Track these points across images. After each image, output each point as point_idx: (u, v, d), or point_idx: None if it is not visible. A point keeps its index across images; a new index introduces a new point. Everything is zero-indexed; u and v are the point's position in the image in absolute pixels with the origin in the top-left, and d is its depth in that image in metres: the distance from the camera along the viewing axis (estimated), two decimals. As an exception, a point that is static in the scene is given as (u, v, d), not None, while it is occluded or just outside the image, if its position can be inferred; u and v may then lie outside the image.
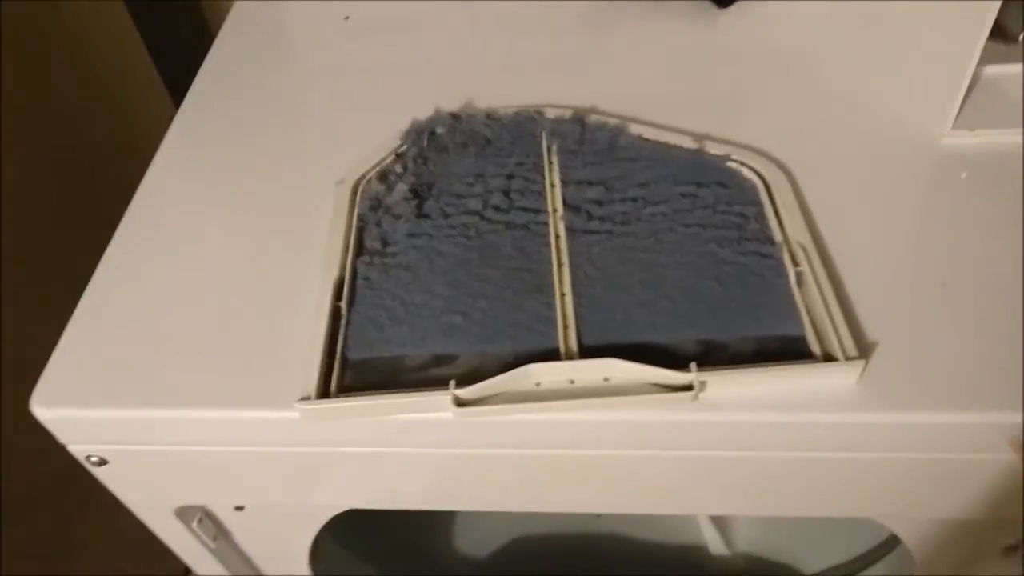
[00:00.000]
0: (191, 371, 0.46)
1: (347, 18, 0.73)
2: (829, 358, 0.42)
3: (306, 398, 0.43)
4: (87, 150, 0.94)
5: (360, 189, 0.54)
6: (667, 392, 0.42)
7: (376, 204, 0.53)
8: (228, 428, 0.46)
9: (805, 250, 0.47)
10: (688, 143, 0.55)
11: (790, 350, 0.44)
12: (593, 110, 0.58)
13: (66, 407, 0.46)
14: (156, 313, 0.49)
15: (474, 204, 0.52)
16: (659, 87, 0.62)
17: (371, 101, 0.64)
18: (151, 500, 0.56)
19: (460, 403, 0.42)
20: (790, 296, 0.46)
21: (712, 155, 0.54)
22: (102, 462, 0.50)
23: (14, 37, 0.80)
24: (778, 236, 0.48)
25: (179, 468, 0.51)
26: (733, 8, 0.68)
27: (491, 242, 0.50)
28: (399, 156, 0.56)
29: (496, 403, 0.42)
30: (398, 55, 0.69)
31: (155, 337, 0.48)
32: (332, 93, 0.66)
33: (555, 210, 0.52)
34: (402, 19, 0.72)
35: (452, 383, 0.42)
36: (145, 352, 0.47)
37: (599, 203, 0.52)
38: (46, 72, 0.87)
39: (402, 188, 0.53)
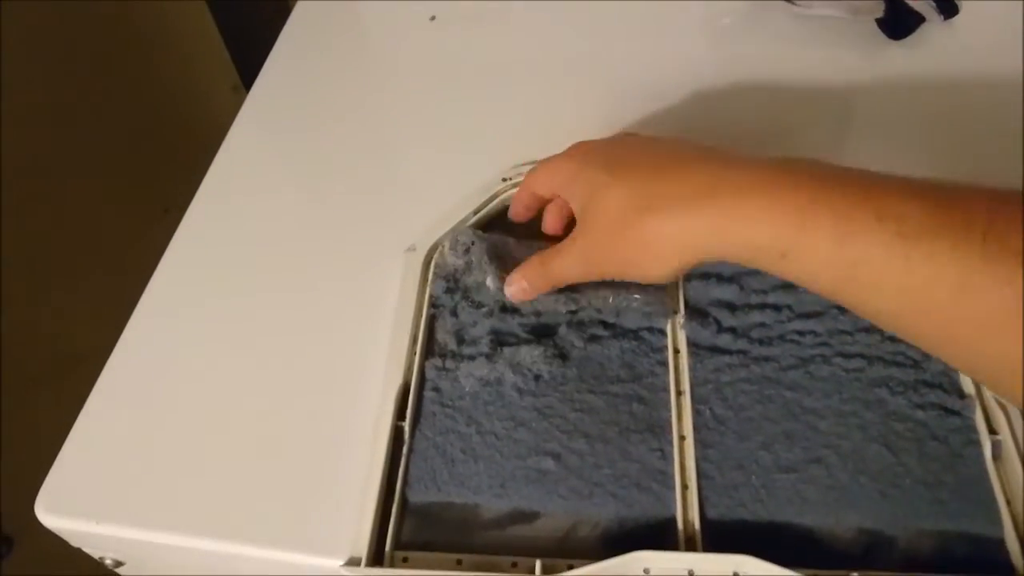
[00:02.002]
0: (220, 493, 0.38)
1: (433, 18, 0.62)
2: (1039, 581, 0.32)
3: (355, 561, 0.34)
4: (152, 128, 0.90)
5: (434, 261, 0.44)
6: (817, 610, 0.32)
7: (453, 285, 0.43)
8: (260, 565, 0.37)
9: (1006, 410, 0.36)
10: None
11: (982, 558, 0.33)
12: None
13: (74, 519, 0.38)
14: (178, 413, 0.41)
15: (573, 298, 0.42)
16: (801, 133, 0.50)
17: (452, 124, 0.54)
18: None
19: (547, 590, 0.33)
20: (984, 475, 0.35)
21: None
22: (117, 564, 0.43)
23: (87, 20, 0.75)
24: (969, 386, 0.37)
25: None
26: (910, 39, 0.55)
27: (593, 354, 0.40)
28: (479, 221, 0.46)
29: (593, 596, 0.33)
30: (488, 64, 0.58)
31: (175, 444, 0.40)
32: (408, 112, 0.56)
33: (675, 312, 0.41)
34: (494, 18, 0.61)
35: (538, 565, 0.33)
36: (163, 461, 0.39)
37: (731, 308, 0.41)
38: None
39: (483, 265, 0.42)
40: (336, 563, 0.34)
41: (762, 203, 0.30)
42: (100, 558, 0.42)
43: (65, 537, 0.40)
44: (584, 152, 0.38)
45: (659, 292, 0.41)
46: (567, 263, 0.37)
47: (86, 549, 0.41)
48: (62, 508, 0.38)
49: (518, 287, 0.39)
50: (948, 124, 0.50)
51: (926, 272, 0.26)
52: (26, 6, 0.73)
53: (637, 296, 0.40)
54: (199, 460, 0.39)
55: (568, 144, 0.47)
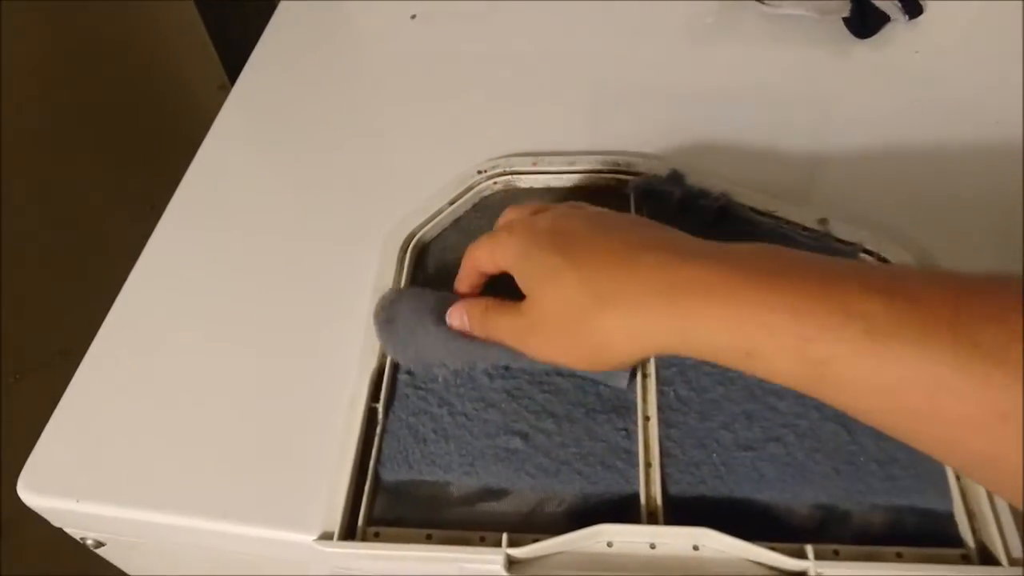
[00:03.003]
0: (197, 471, 0.39)
1: (414, 16, 0.63)
2: (985, 552, 0.33)
3: (328, 535, 0.35)
4: (138, 121, 0.91)
5: (411, 248, 0.46)
6: (773, 580, 0.33)
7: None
8: (236, 541, 0.38)
9: (957, 390, 0.37)
10: (810, 220, 0.45)
11: (932, 531, 0.34)
12: (692, 164, 0.48)
13: (55, 498, 0.39)
14: (159, 392, 0.42)
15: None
16: (775, 133, 0.51)
17: (430, 119, 0.55)
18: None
19: (513, 562, 0.34)
20: (935, 453, 0.36)
21: (840, 241, 0.44)
22: (98, 544, 0.44)
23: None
24: (922, 367, 0.39)
25: (183, 560, 0.45)
26: (876, 37, 0.57)
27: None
28: (455, 219, 0.47)
29: (557, 568, 0.34)
30: (467, 61, 0.60)
31: (155, 425, 0.41)
32: (388, 107, 0.57)
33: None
34: (475, 16, 0.63)
35: (504, 538, 0.34)
36: (143, 441, 0.40)
37: (696, 295, 0.42)
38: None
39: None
40: (308, 538, 0.35)
41: (722, 305, 0.29)
42: (82, 539, 0.43)
43: (47, 516, 0.41)
44: (531, 229, 0.35)
45: None
46: (506, 326, 0.36)
47: (68, 529, 0.42)
48: (44, 487, 0.39)
49: (458, 320, 0.38)
50: (914, 121, 0.51)
51: (898, 372, 0.25)
52: (14, 6, 0.74)
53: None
54: (178, 440, 0.40)
55: (546, 137, 0.49)
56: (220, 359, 0.43)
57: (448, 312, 0.39)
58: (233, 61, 0.62)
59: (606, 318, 0.31)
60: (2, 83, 0.73)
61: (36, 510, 0.40)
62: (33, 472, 0.40)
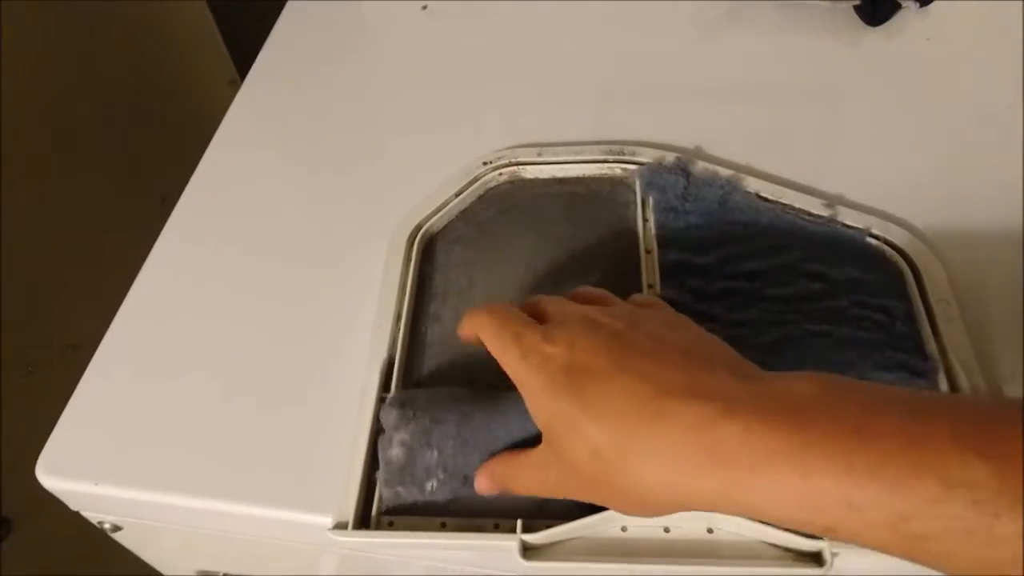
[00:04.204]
0: (214, 455, 0.39)
1: (425, 7, 0.64)
2: (1000, 529, 0.33)
3: (342, 525, 0.35)
4: (148, 116, 0.92)
5: (418, 240, 0.46)
6: (787, 561, 0.33)
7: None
8: (252, 523, 0.39)
9: (968, 371, 0.37)
10: (817, 206, 0.45)
11: (947, 509, 0.34)
12: (699, 153, 0.49)
13: (74, 480, 0.40)
14: (175, 378, 0.43)
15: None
16: (782, 121, 0.51)
17: (436, 110, 0.56)
18: (172, 563, 0.50)
19: (528, 548, 0.34)
20: (947, 432, 0.36)
21: (847, 227, 0.44)
22: (116, 528, 0.44)
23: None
24: (932, 347, 0.39)
25: (198, 543, 0.45)
26: (887, 25, 0.57)
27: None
28: (461, 211, 0.48)
29: (572, 553, 0.34)
30: (474, 53, 0.60)
31: (171, 408, 0.41)
32: (397, 98, 0.58)
33: (650, 285, 0.43)
34: (484, 7, 0.63)
35: (519, 524, 0.34)
36: (160, 425, 0.41)
37: (705, 279, 0.42)
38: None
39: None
40: (326, 520, 0.36)
41: (788, 478, 0.24)
42: (99, 523, 0.44)
43: (65, 500, 0.41)
44: (543, 364, 0.30)
45: None
46: (533, 484, 0.32)
47: (85, 513, 0.43)
48: (62, 470, 0.40)
49: (487, 485, 0.34)
50: (925, 108, 0.51)
51: (1014, 548, 0.22)
52: (26, 3, 0.74)
53: None
54: (193, 426, 0.40)
55: (551, 129, 0.49)
56: (233, 347, 0.43)
57: (476, 482, 0.34)
58: (243, 56, 0.62)
59: (642, 477, 0.27)
60: (14, 78, 0.73)
61: (54, 493, 0.41)
62: (52, 455, 0.40)
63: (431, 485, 0.35)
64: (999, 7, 0.57)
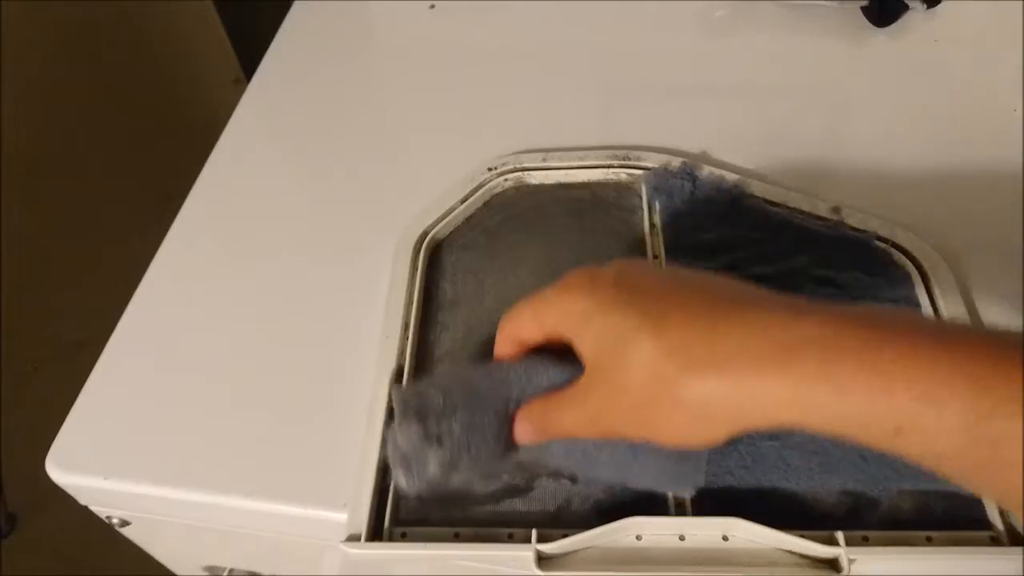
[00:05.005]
0: (223, 452, 0.39)
1: (433, 6, 0.64)
2: (1014, 533, 0.33)
3: (355, 537, 0.35)
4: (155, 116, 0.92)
5: (424, 246, 0.45)
6: (804, 568, 0.33)
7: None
8: (259, 518, 0.39)
9: (979, 374, 0.37)
10: (824, 210, 0.45)
11: (960, 514, 0.34)
12: (705, 157, 0.48)
13: (83, 475, 0.40)
14: (183, 377, 0.43)
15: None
16: (788, 124, 0.51)
17: (442, 114, 0.56)
18: (179, 558, 0.50)
19: (542, 558, 0.34)
20: (959, 437, 0.36)
21: (854, 230, 0.44)
22: (124, 523, 0.44)
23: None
24: (943, 351, 0.39)
25: (206, 538, 0.45)
26: (895, 26, 0.57)
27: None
28: (467, 218, 0.47)
29: (587, 563, 0.34)
30: (479, 56, 0.60)
31: (180, 404, 0.41)
32: (405, 100, 0.58)
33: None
34: (490, 7, 0.63)
35: (534, 534, 0.34)
36: (169, 421, 0.41)
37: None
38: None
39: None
40: (338, 516, 0.36)
41: (867, 369, 0.23)
42: (108, 517, 0.43)
43: (74, 494, 0.41)
44: (590, 286, 0.29)
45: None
46: (571, 420, 0.29)
47: (94, 508, 0.43)
48: (72, 465, 0.40)
49: (524, 434, 0.31)
50: (932, 110, 0.51)
51: None
52: (33, 5, 0.74)
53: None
54: (203, 422, 0.40)
55: (557, 134, 0.49)
56: (241, 346, 0.43)
57: (515, 430, 0.31)
58: (249, 55, 0.62)
59: (700, 387, 0.25)
60: (18, 78, 0.73)
61: (64, 488, 0.40)
62: (61, 449, 0.40)
63: (442, 465, 0.31)
64: (1006, 9, 0.57)
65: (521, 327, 0.31)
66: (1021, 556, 0.32)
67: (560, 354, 0.31)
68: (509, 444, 0.31)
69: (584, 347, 0.29)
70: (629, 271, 0.29)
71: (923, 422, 0.23)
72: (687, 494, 0.34)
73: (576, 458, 0.32)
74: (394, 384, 0.35)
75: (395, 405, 0.32)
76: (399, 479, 0.31)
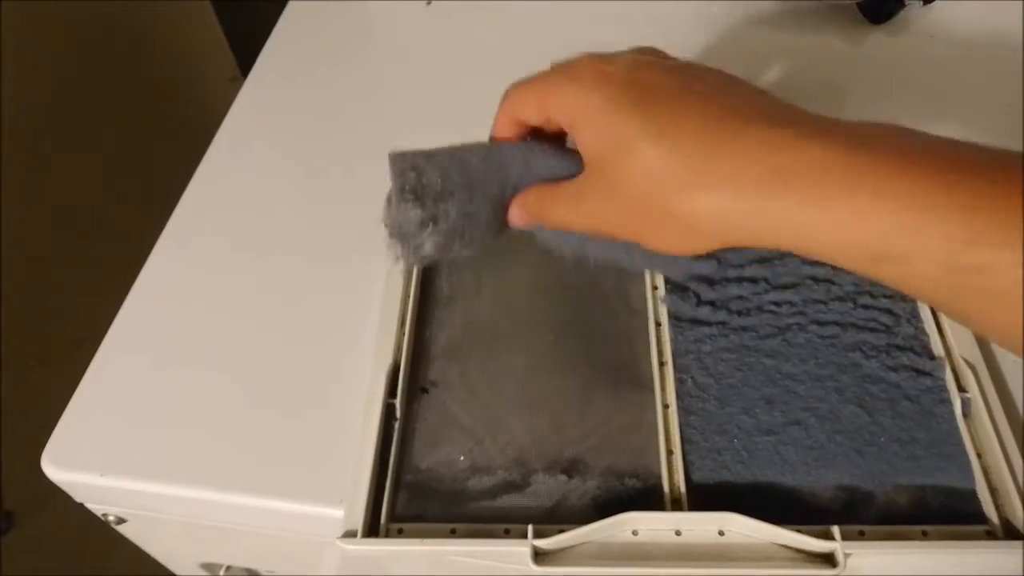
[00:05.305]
0: (219, 449, 0.39)
1: (428, 3, 0.64)
2: (1009, 527, 0.33)
3: (351, 533, 0.35)
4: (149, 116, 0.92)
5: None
6: (800, 563, 0.33)
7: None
8: (255, 514, 0.39)
9: (974, 370, 0.38)
10: (819, 206, 0.45)
11: (956, 509, 0.35)
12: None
13: (79, 472, 0.40)
14: (180, 372, 0.42)
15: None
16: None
17: (438, 111, 0.55)
18: (175, 556, 0.50)
19: (539, 554, 0.34)
20: (955, 432, 0.36)
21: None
22: (120, 521, 0.44)
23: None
24: (938, 347, 0.39)
25: (202, 535, 0.44)
26: (890, 23, 0.57)
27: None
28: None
29: (583, 558, 0.34)
30: (476, 53, 0.60)
31: (177, 399, 0.41)
32: (401, 97, 0.58)
33: (655, 287, 0.43)
34: (487, 5, 0.63)
35: (530, 530, 0.34)
36: (165, 417, 0.41)
37: (710, 282, 0.42)
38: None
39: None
40: (330, 511, 0.36)
41: (852, 194, 0.23)
42: (104, 515, 0.43)
43: (70, 491, 0.41)
44: (601, 78, 0.28)
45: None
46: (566, 215, 0.30)
47: (90, 505, 0.42)
48: (68, 462, 0.39)
49: (519, 219, 0.32)
50: (929, 107, 0.51)
51: None
52: (30, 4, 0.74)
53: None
54: (199, 419, 0.40)
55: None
56: (237, 342, 0.43)
57: (509, 212, 0.32)
58: (245, 53, 0.62)
59: (697, 199, 0.25)
60: (16, 76, 0.73)
61: (60, 485, 0.40)
62: (57, 447, 0.40)
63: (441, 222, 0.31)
64: (1002, 4, 0.57)
65: (523, 108, 0.31)
66: (1016, 550, 0.32)
67: (557, 140, 0.31)
68: (502, 227, 0.32)
69: (585, 143, 0.29)
70: (640, 68, 0.28)
71: (904, 249, 0.23)
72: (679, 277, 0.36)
73: (569, 240, 0.32)
74: (392, 153, 0.33)
75: (392, 178, 0.31)
76: (395, 252, 0.31)
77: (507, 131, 0.32)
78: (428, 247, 0.31)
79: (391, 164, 0.32)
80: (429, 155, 0.32)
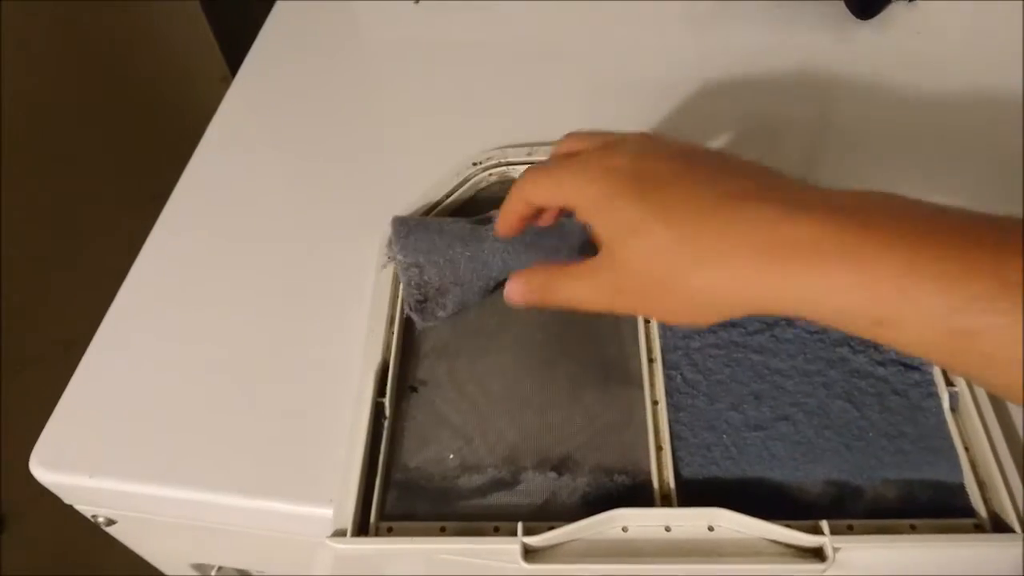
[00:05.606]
0: (209, 449, 0.39)
1: (417, 2, 0.63)
2: (998, 521, 0.33)
3: (341, 532, 0.35)
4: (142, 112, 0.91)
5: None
6: (789, 558, 0.33)
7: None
8: (245, 514, 0.38)
9: (962, 363, 0.37)
10: (808, 202, 0.45)
11: (944, 502, 0.35)
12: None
13: (68, 473, 0.39)
14: (169, 372, 0.42)
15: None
16: (773, 116, 0.51)
17: (427, 109, 0.55)
18: (166, 556, 0.50)
19: (529, 551, 0.34)
20: (943, 426, 0.37)
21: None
22: (110, 522, 0.44)
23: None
24: (926, 341, 0.39)
25: (193, 536, 0.44)
26: (878, 19, 0.57)
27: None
28: (452, 213, 0.47)
29: (573, 555, 0.34)
30: (465, 50, 0.60)
31: (165, 401, 0.41)
32: (389, 95, 0.58)
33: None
34: (475, 5, 0.63)
35: (519, 527, 0.34)
36: (154, 418, 0.40)
37: (698, 278, 0.42)
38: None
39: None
40: (321, 511, 0.36)
41: (850, 267, 0.25)
42: (93, 516, 0.43)
43: (59, 493, 0.41)
44: (608, 170, 0.31)
45: None
46: (580, 293, 0.32)
47: (79, 507, 0.42)
48: (56, 464, 0.39)
49: (519, 295, 0.34)
50: (916, 103, 0.52)
51: None
52: (22, 6, 0.74)
53: None
54: (188, 419, 0.40)
55: (541, 128, 0.49)
56: (226, 342, 0.43)
57: (506, 291, 0.35)
58: (234, 53, 0.62)
59: (705, 276, 0.28)
60: (3, 75, 0.72)
61: (48, 487, 0.40)
62: (45, 448, 0.40)
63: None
64: (987, 3, 0.58)
65: (538, 194, 0.34)
66: (1004, 543, 0.32)
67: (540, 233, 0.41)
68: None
69: (598, 228, 0.31)
70: (645, 158, 0.31)
71: (902, 314, 0.24)
72: None
73: None
74: (395, 219, 0.43)
75: (399, 271, 0.41)
76: (409, 314, 0.42)
77: (518, 210, 0.35)
78: (432, 318, 0.42)
79: (395, 236, 0.42)
80: (428, 250, 0.41)
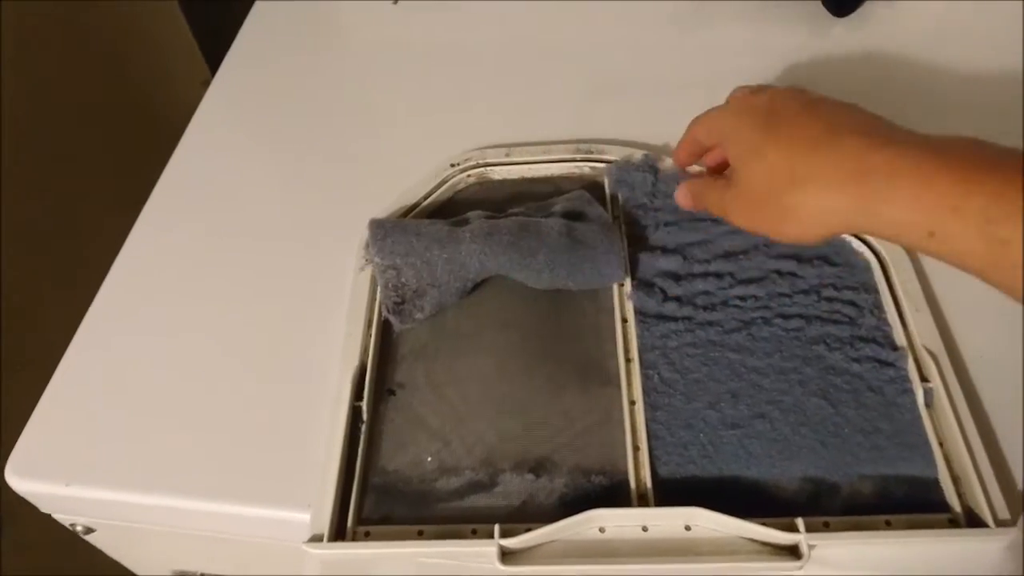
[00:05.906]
0: (185, 455, 0.39)
1: (395, 2, 0.63)
2: (972, 516, 0.34)
3: (318, 537, 0.35)
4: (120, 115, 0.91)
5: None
6: (765, 556, 0.33)
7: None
8: (224, 520, 0.38)
9: (936, 359, 0.38)
10: (784, 200, 0.45)
11: (919, 498, 0.35)
12: (667, 150, 0.49)
13: (44, 482, 0.39)
14: (144, 379, 0.42)
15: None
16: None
17: (405, 112, 0.55)
18: (147, 563, 0.50)
19: (506, 553, 0.34)
20: (918, 421, 0.37)
21: (815, 219, 0.44)
22: (88, 530, 0.44)
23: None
24: (901, 338, 0.39)
25: (173, 543, 0.44)
26: (853, 16, 0.57)
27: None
28: (430, 215, 0.47)
29: (551, 557, 0.34)
30: (443, 52, 0.60)
31: (141, 409, 0.41)
32: (367, 96, 0.58)
33: (620, 284, 0.43)
34: (453, 5, 0.63)
35: (496, 529, 0.34)
36: (130, 426, 0.40)
37: (676, 278, 0.42)
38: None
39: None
40: (299, 516, 0.36)
41: (912, 185, 0.30)
42: (72, 525, 0.43)
43: (36, 502, 0.41)
44: (743, 107, 0.37)
45: None
46: (719, 203, 0.38)
47: (57, 515, 0.42)
48: (32, 472, 0.39)
49: (685, 199, 0.41)
50: (893, 100, 0.51)
51: None
52: (7, 5, 0.73)
53: None
54: (164, 426, 0.40)
55: (519, 129, 0.49)
56: (203, 348, 0.43)
57: (676, 193, 0.41)
58: (216, 56, 0.61)
59: (798, 195, 0.33)
60: (3, 75, 0.72)
61: (24, 496, 0.40)
62: (21, 457, 0.40)
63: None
64: (961, 2, 0.58)
65: (700, 131, 0.40)
66: (978, 537, 0.33)
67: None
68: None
69: (730, 153, 0.37)
70: (778, 99, 0.37)
71: (949, 227, 0.29)
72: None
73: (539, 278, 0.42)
74: (372, 221, 0.43)
75: (376, 273, 0.42)
76: (387, 316, 0.42)
77: (689, 149, 0.42)
78: (409, 320, 0.42)
79: (372, 239, 0.42)
80: (405, 252, 0.41)
